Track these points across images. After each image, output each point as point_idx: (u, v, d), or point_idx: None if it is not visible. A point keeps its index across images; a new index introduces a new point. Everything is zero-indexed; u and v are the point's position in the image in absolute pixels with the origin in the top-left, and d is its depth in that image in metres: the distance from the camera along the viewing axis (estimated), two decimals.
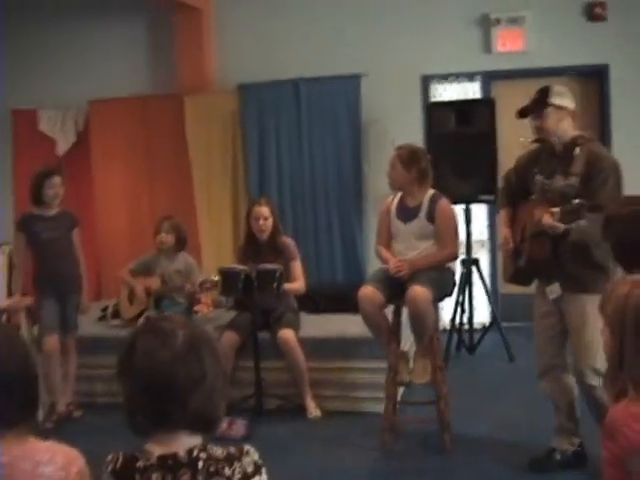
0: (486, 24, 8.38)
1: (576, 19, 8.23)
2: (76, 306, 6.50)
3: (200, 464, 2.04)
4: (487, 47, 8.42)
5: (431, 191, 5.49)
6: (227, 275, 6.24)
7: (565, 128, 4.60)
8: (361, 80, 8.45)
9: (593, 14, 8.15)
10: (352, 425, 5.93)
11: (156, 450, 2.06)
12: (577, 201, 4.16)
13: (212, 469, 2.04)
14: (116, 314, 7.13)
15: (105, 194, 9.28)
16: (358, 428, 5.84)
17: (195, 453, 2.05)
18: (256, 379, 6.13)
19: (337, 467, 5.17)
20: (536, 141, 4.79)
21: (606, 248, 4.42)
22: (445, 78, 8.60)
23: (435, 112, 7.93)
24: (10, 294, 6.63)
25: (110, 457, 2.13)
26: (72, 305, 6.46)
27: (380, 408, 5.53)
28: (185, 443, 2.07)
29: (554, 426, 4.86)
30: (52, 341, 6.31)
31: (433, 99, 8.58)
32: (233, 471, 2.06)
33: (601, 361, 4.50)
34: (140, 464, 2.06)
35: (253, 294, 6.13)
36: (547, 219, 4.31)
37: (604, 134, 8.25)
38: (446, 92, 8.61)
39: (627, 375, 2.34)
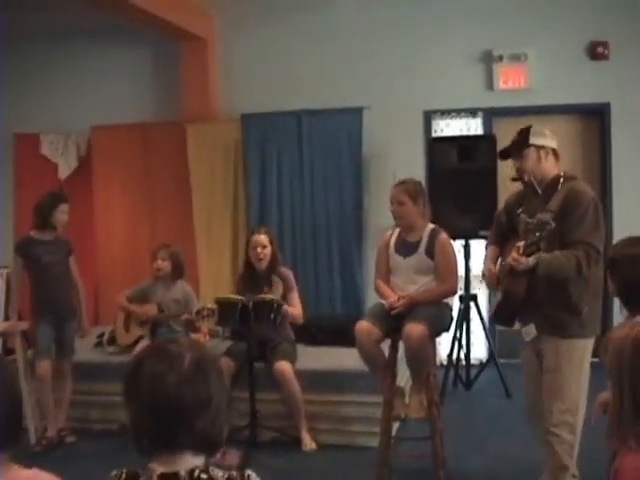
0: (488, 61, 8.42)
1: (579, 57, 8.27)
2: (73, 331, 6.51)
3: None
4: (489, 84, 8.46)
5: (431, 226, 5.47)
6: (224, 305, 6.23)
7: (548, 168, 4.56)
8: (363, 113, 8.47)
9: (595, 53, 8.19)
10: (347, 459, 5.90)
11: (158, 469, 2.06)
12: (538, 234, 4.14)
13: None
14: (112, 341, 7.10)
15: (105, 220, 9.28)
16: (353, 462, 5.82)
17: (196, 473, 2.05)
18: (251, 410, 6.10)
19: None
20: (516, 180, 4.72)
21: (583, 288, 4.36)
22: (447, 114, 8.63)
23: (437, 147, 7.96)
24: (7, 318, 6.62)
25: (115, 473, 2.14)
26: (69, 330, 6.47)
27: (375, 442, 5.49)
28: (187, 463, 2.07)
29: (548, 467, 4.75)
30: (45, 366, 6.31)
31: (435, 134, 8.61)
32: None
33: (571, 412, 4.39)
34: None
35: (250, 324, 6.12)
36: (513, 254, 4.27)
37: (605, 172, 8.30)
38: (448, 128, 8.65)
39: (628, 426, 2.31)
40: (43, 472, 2.18)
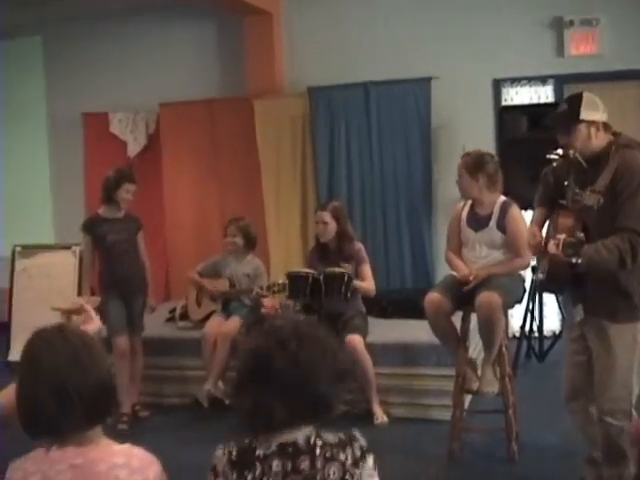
0: (559, 26, 8.23)
1: None
2: (142, 307, 6.57)
3: (318, 450, 2.15)
4: (560, 50, 8.27)
5: (502, 198, 5.39)
6: (294, 279, 6.25)
7: (597, 143, 4.12)
8: (431, 83, 8.36)
9: None
10: (419, 432, 5.90)
11: (276, 439, 2.16)
12: (581, 235, 3.92)
13: (328, 455, 2.16)
14: (184, 316, 7.16)
15: (174, 196, 9.35)
16: (425, 435, 5.81)
17: (312, 440, 2.16)
18: None
19: (403, 474, 5.09)
20: (562, 157, 4.31)
21: (633, 270, 4.00)
22: (517, 82, 8.48)
23: (507, 116, 7.84)
24: (80, 294, 6.71)
25: (220, 451, 2.21)
26: (138, 306, 6.53)
27: (447, 416, 5.47)
28: (303, 431, 2.18)
29: (585, 455, 4.60)
30: (122, 342, 6.38)
31: (504, 103, 8.47)
32: (346, 456, 2.17)
33: (625, 399, 4.15)
34: (260, 452, 2.16)
35: (321, 298, 6.11)
36: (551, 247, 3.97)
37: None
38: (517, 96, 8.49)
39: None
40: (136, 447, 2.24)
